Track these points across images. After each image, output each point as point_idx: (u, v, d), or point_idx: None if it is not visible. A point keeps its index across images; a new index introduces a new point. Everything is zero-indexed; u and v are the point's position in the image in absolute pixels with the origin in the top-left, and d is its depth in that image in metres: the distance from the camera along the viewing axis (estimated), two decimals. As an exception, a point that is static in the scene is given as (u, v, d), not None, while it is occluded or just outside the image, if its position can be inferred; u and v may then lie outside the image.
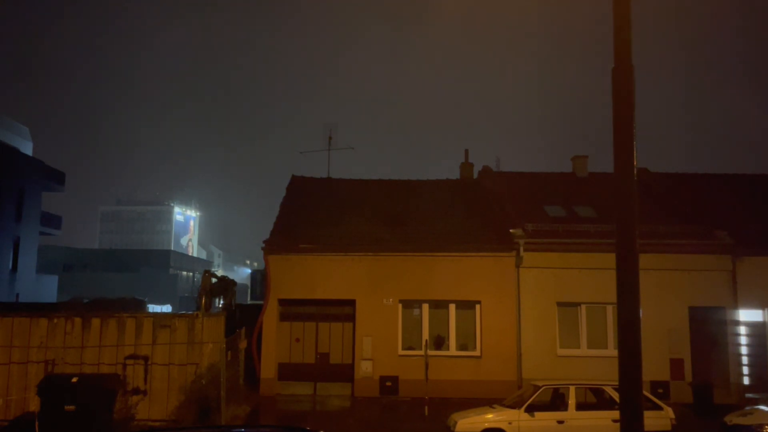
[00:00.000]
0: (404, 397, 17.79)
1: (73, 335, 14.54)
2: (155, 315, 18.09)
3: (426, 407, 15.17)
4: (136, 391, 14.30)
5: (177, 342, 14.58)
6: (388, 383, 18.12)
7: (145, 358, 14.50)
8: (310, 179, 23.88)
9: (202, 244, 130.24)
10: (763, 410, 12.67)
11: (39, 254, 40.73)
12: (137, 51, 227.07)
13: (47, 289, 40.37)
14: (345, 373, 18.60)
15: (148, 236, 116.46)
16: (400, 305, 18.78)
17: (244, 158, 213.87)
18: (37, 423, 11.90)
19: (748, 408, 13.42)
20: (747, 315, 18.55)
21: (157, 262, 67.05)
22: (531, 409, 12.07)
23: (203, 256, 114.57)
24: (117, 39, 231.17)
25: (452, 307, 18.84)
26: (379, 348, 18.40)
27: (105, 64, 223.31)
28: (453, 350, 18.62)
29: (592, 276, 18.18)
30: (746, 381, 18.28)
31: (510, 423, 11.97)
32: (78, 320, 14.64)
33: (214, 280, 19.37)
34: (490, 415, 12.28)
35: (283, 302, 18.93)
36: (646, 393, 11.67)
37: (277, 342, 18.67)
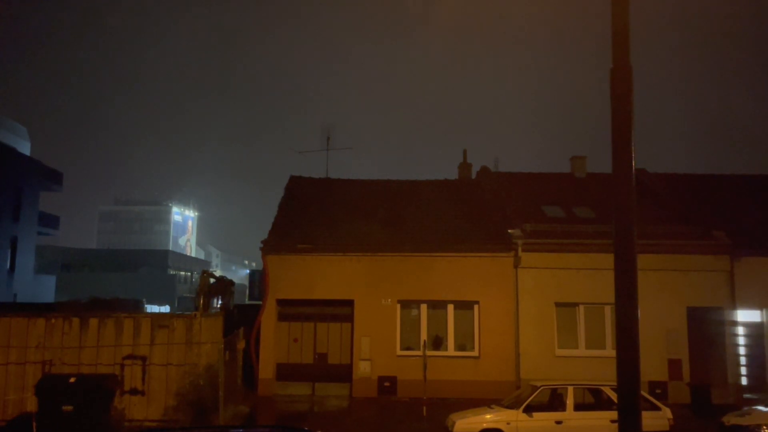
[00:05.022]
0: (402, 397, 17.79)
1: (71, 335, 14.51)
2: (153, 315, 18.06)
3: (424, 407, 15.15)
4: (134, 391, 14.29)
5: (175, 342, 14.56)
6: (387, 383, 18.12)
7: (143, 359, 14.48)
8: (309, 179, 23.86)
9: (200, 244, 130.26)
10: (761, 410, 12.69)
11: (37, 254, 40.71)
12: (136, 51, 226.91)
13: (45, 289, 40.31)
14: (343, 373, 18.59)
15: (147, 236, 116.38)
16: (398, 305, 18.78)
17: (243, 158, 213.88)
18: (34, 423, 11.89)
19: (746, 408, 13.44)
20: (745, 315, 18.57)
21: (156, 262, 66.97)
22: (529, 410, 12.07)
23: (201, 256, 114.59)
24: (116, 39, 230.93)
25: (450, 307, 18.84)
26: (377, 348, 18.40)
27: (103, 64, 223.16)
28: (451, 350, 18.62)
29: (590, 276, 18.19)
30: (744, 381, 18.30)
31: (508, 423, 11.97)
32: (76, 320, 14.61)
33: (212, 280, 19.33)
34: (488, 416, 12.28)
35: (281, 302, 18.92)
36: (644, 393, 11.69)
37: (276, 342, 18.66)
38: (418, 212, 21.08)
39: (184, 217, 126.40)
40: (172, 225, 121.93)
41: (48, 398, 12.19)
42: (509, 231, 19.13)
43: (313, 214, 20.76)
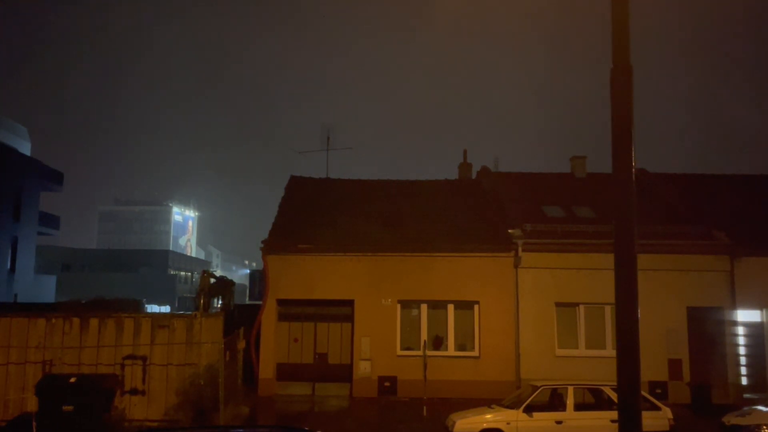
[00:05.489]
0: (403, 397, 17.79)
1: (71, 335, 14.52)
2: (153, 315, 18.07)
3: (424, 407, 15.16)
4: (134, 391, 14.30)
5: (175, 342, 14.56)
6: (387, 383, 18.11)
7: (144, 359, 14.49)
8: (309, 179, 23.87)
9: (200, 244, 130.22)
10: (761, 410, 12.69)
11: (37, 254, 40.67)
12: (136, 51, 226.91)
13: (45, 289, 40.29)
14: (343, 373, 18.59)
15: (147, 236, 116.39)
16: (398, 305, 18.78)
17: (243, 158, 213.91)
18: (34, 423, 11.89)
19: (746, 408, 13.42)
20: (745, 315, 18.57)
21: (156, 263, 66.95)
22: (529, 410, 12.07)
23: (202, 256, 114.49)
24: (115, 39, 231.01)
25: (451, 307, 18.84)
26: (377, 348, 18.40)
27: (103, 64, 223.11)
28: (451, 350, 18.62)
29: (590, 276, 18.19)
30: (744, 381, 18.30)
31: (508, 423, 11.97)
32: (76, 320, 14.62)
33: (212, 280, 19.39)
34: (488, 416, 12.28)
35: (281, 302, 18.92)
36: (645, 393, 11.68)
37: (276, 342, 18.66)
38: (418, 212, 21.07)
39: (184, 217, 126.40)
40: (172, 225, 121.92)
41: (48, 398, 12.20)
42: (509, 231, 19.12)
43: (314, 214, 20.76)
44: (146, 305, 33.39)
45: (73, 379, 12.61)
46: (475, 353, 18.52)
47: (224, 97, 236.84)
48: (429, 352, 16.91)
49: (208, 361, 14.27)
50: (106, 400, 12.60)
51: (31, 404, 13.17)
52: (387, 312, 18.62)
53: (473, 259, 18.82)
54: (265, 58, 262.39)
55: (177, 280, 65.31)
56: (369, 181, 23.85)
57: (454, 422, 12.14)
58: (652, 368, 17.47)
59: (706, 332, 18.55)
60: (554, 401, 12.72)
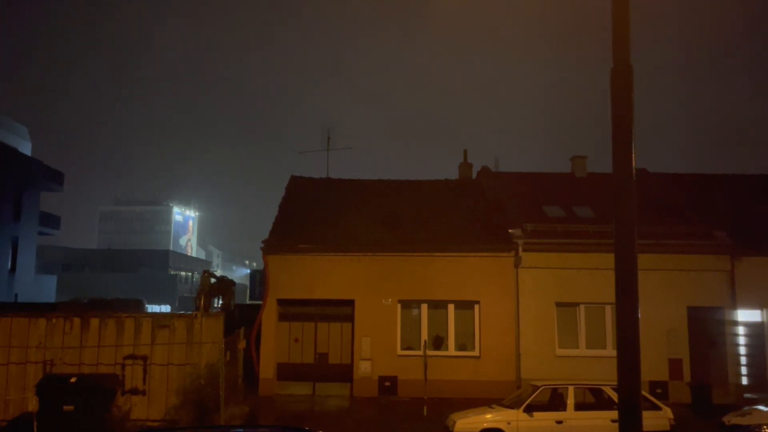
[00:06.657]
0: (403, 397, 17.80)
1: (72, 335, 14.55)
2: (154, 315, 18.10)
3: (425, 407, 15.17)
4: (134, 391, 14.32)
5: (176, 342, 14.60)
6: (387, 383, 18.12)
7: (144, 358, 14.52)
8: (309, 179, 23.88)
9: (201, 244, 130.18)
10: (761, 410, 12.69)
11: (38, 254, 40.71)
12: (136, 50, 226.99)
13: (46, 289, 40.32)
14: (344, 373, 18.60)
15: (147, 236, 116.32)
16: (398, 305, 18.79)
17: (243, 158, 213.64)
18: (35, 423, 11.91)
19: (746, 408, 13.43)
20: (745, 315, 18.58)
21: (156, 263, 67.03)
22: (530, 410, 12.09)
23: (202, 256, 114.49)
24: (116, 39, 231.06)
25: (451, 307, 18.85)
26: (378, 348, 18.41)
27: (104, 63, 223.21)
28: (452, 350, 18.63)
29: (590, 276, 18.20)
30: (745, 381, 18.31)
31: (509, 423, 11.98)
32: (77, 320, 14.65)
33: (213, 280, 19.40)
34: (488, 415, 12.29)
35: (281, 302, 18.93)
36: (645, 393, 11.68)
37: (276, 342, 18.68)
38: (418, 212, 21.08)
39: (184, 217, 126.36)
40: (172, 225, 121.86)
41: (49, 398, 12.22)
42: (510, 231, 19.13)
43: (314, 214, 20.77)
44: (147, 305, 33.41)
45: (73, 379, 12.63)
46: (476, 353, 18.53)
47: (225, 97, 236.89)
48: (429, 352, 16.92)
49: (208, 360, 14.30)
50: (107, 399, 12.63)
51: (32, 404, 13.18)
52: (387, 312, 18.63)
53: (474, 259, 18.83)
54: (265, 58, 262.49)
55: (177, 280, 65.39)
56: (369, 181, 23.85)
57: (455, 422, 12.15)
58: (652, 368, 17.47)
59: (707, 332, 18.56)
60: (555, 401, 12.74)
